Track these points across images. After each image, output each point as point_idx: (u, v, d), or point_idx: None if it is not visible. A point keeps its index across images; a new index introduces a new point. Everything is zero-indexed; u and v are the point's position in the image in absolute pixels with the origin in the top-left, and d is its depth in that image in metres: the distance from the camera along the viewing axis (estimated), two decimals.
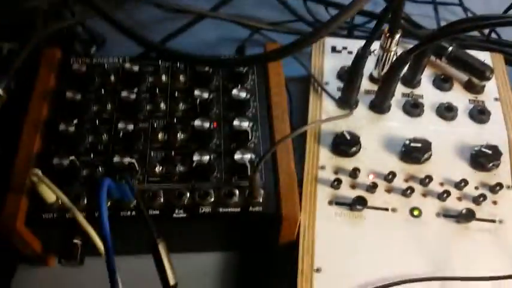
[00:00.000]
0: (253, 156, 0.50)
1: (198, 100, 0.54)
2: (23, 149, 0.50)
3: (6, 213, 0.46)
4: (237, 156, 0.50)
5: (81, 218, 0.42)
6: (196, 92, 0.54)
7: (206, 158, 0.49)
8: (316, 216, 0.52)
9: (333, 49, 0.64)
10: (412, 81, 0.61)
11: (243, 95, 0.55)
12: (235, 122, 0.52)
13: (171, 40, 0.67)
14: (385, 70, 0.59)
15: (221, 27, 0.73)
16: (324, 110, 0.59)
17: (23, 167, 0.49)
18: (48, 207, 0.47)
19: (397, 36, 0.55)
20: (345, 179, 0.54)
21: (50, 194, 0.46)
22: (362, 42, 0.63)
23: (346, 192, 0.53)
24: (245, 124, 0.52)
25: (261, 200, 0.48)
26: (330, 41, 0.65)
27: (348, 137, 0.55)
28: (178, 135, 0.53)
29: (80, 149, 0.51)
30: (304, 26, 0.74)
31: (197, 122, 0.52)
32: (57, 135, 0.51)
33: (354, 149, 0.55)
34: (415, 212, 0.52)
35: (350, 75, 0.56)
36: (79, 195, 0.47)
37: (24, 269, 0.52)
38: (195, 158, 0.49)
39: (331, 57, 0.63)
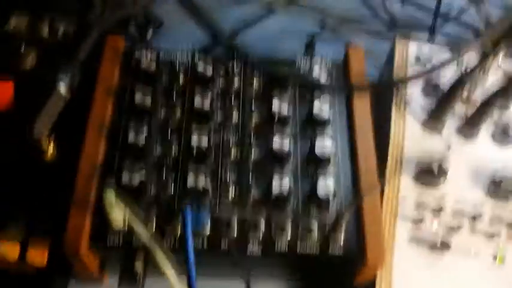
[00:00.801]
0: (336, 187, 0.46)
1: (276, 115, 0.49)
2: (86, 160, 0.46)
3: (70, 236, 0.42)
4: (320, 188, 0.45)
5: (163, 259, 0.38)
6: (275, 105, 0.49)
7: (286, 185, 0.45)
8: (394, 256, 0.48)
9: (417, 59, 0.58)
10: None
11: (325, 114, 0.49)
12: (318, 144, 0.47)
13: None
14: (480, 90, 0.53)
15: (287, 18, 0.67)
16: (408, 132, 0.53)
17: (86, 181, 0.44)
18: (114, 230, 0.43)
19: (502, 54, 0.49)
20: (428, 215, 0.50)
21: (120, 218, 0.42)
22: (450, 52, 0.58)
23: (429, 230, 0.49)
24: (328, 146, 0.47)
25: (342, 243, 0.44)
26: (414, 47, 0.58)
27: (436, 167, 0.50)
28: (252, 153, 0.48)
29: (149, 162, 0.47)
30: (379, 25, 0.67)
31: (275, 143, 0.47)
32: (124, 145, 0.46)
33: (441, 179, 0.50)
34: (501, 258, 0.49)
35: (448, 95, 0.50)
36: (147, 219, 0.44)
37: (76, 285, 0.49)
38: (274, 184, 0.45)
39: (416, 67, 0.57)
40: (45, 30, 0.54)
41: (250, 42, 0.62)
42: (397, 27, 0.65)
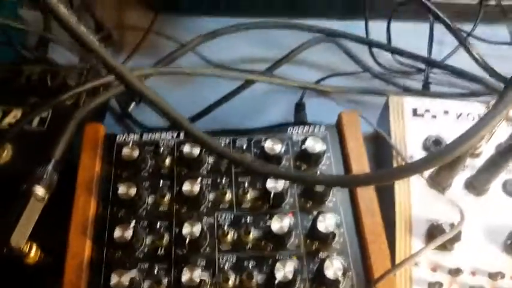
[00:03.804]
0: (344, 264, 0.42)
1: (271, 193, 0.45)
2: (72, 260, 0.42)
3: None
4: (327, 270, 0.41)
5: None
6: (269, 184, 0.46)
7: (290, 270, 0.41)
8: None
9: (414, 112, 0.55)
10: None
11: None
12: (320, 219, 0.44)
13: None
14: (488, 142, 0.50)
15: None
16: (413, 193, 0.50)
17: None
18: None
19: None
20: (445, 278, 0.46)
21: None
22: (446, 103, 0.56)
23: None
24: (331, 222, 0.44)
25: None
26: (409, 102, 0.56)
27: (446, 229, 0.47)
28: (250, 234, 0.44)
29: (139, 256, 0.43)
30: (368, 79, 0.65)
31: (274, 224, 0.43)
32: (111, 242, 0.43)
33: (454, 242, 0.47)
34: None
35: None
36: None
37: None
38: (278, 269, 0.41)
39: (413, 122, 0.54)
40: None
41: (233, 112, 0.60)
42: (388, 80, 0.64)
